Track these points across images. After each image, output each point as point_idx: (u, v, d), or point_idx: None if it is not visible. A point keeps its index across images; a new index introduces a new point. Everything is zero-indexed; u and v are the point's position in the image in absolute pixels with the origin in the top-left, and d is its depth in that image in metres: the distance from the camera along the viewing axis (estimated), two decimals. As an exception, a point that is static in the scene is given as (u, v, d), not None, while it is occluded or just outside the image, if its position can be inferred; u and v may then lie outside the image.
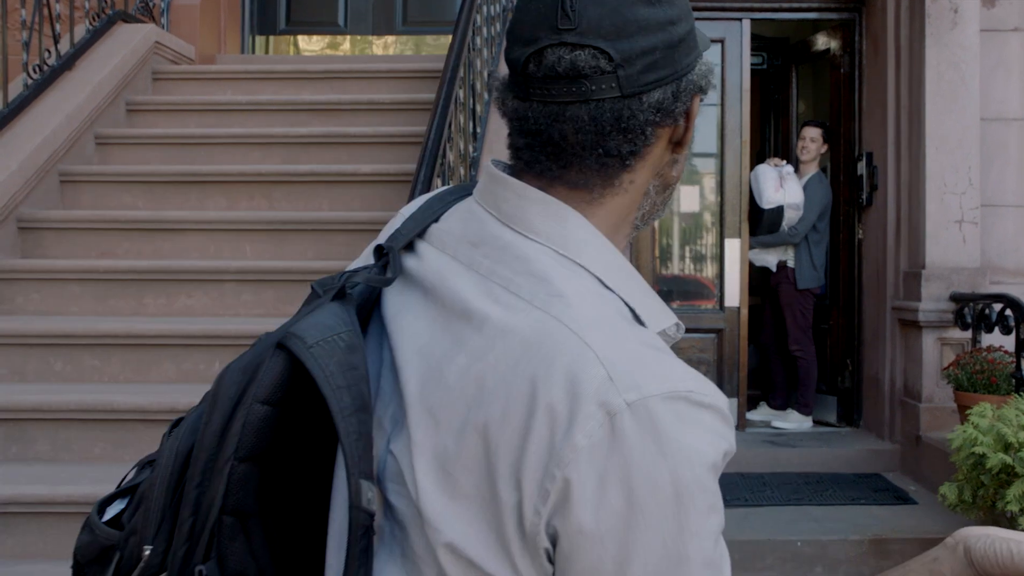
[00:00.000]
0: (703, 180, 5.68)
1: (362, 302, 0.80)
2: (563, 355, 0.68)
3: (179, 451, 0.75)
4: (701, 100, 0.82)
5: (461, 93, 3.27)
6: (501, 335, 0.70)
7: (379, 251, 0.82)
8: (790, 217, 5.31)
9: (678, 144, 0.82)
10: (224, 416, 0.72)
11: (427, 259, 0.80)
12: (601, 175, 0.78)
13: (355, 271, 0.81)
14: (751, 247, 5.46)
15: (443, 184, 2.90)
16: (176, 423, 0.83)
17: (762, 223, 5.35)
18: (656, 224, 5.53)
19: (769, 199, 5.28)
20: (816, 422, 5.50)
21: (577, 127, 0.76)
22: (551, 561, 0.67)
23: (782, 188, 5.31)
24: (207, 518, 0.71)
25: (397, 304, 0.79)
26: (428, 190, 2.59)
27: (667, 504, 0.66)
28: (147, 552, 0.73)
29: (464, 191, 0.87)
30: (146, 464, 0.82)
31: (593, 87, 0.75)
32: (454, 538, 0.68)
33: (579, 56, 0.75)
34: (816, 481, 4.69)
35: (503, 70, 0.83)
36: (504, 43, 0.80)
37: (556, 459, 0.65)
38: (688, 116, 0.80)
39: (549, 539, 0.67)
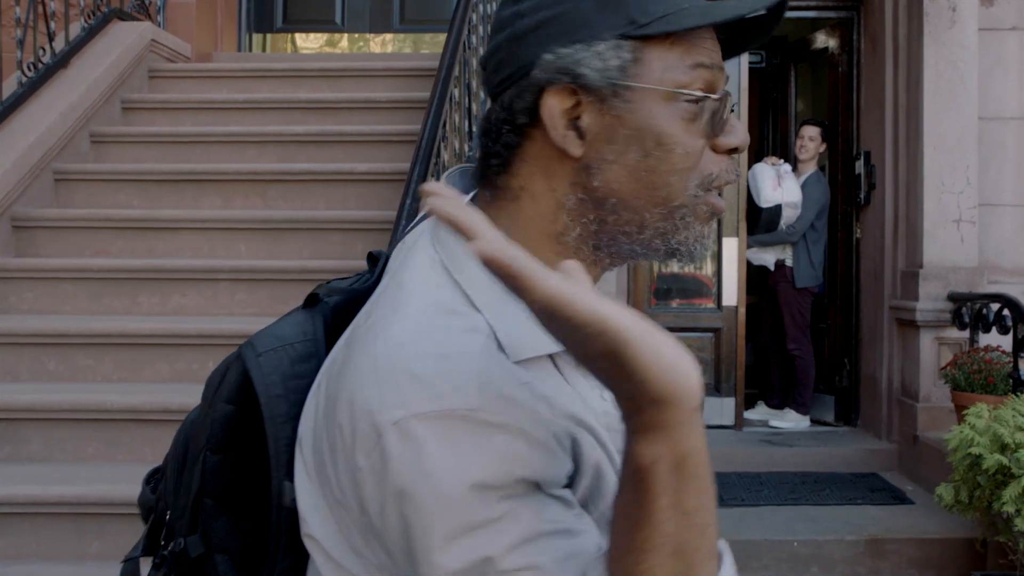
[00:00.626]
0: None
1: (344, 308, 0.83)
2: (353, 375, 0.68)
3: (185, 433, 0.86)
4: (584, 95, 0.73)
5: (456, 92, 3.26)
6: (345, 347, 0.74)
7: (369, 256, 0.86)
8: (788, 216, 5.30)
9: (574, 151, 0.74)
10: (203, 411, 0.82)
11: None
12: (487, 179, 0.78)
13: (344, 278, 0.86)
14: (749, 246, 5.45)
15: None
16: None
17: (760, 222, 5.33)
18: (653, 223, 5.52)
19: (767, 198, 5.27)
20: (813, 421, 5.49)
21: (478, 131, 0.79)
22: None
23: (780, 187, 5.30)
24: (188, 496, 0.80)
25: None
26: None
27: (434, 526, 0.64)
28: (168, 515, 0.85)
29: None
30: None
31: (482, 94, 0.75)
32: (313, 531, 0.71)
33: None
34: (813, 481, 4.68)
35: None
36: None
37: (351, 476, 0.67)
38: (551, 114, 0.73)
39: (377, 542, 0.68)
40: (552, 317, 0.58)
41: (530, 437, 0.65)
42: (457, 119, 3.27)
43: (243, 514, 0.80)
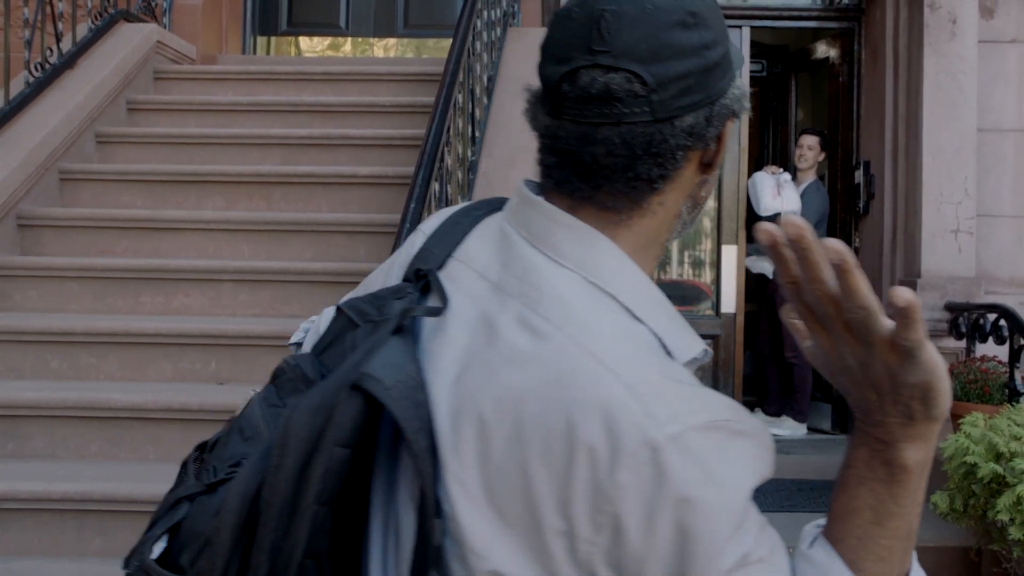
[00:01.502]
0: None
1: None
2: (597, 391, 0.68)
3: (246, 494, 0.72)
4: (734, 123, 0.83)
5: (460, 97, 3.29)
6: (533, 365, 0.71)
7: (416, 273, 0.82)
8: None
9: (708, 165, 0.82)
10: (298, 460, 0.70)
11: (460, 280, 0.80)
12: (630, 198, 0.79)
13: (395, 293, 0.80)
14: (748, 254, 5.48)
15: (440, 187, 2.92)
16: (200, 448, 0.82)
17: None
18: (654, 229, 5.55)
19: (767, 206, 5.30)
20: (811, 429, 5.52)
21: (608, 150, 0.76)
22: None
23: (780, 195, 5.33)
24: (288, 563, 0.71)
25: (430, 326, 0.78)
26: (425, 194, 2.60)
27: (719, 530, 0.68)
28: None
29: (490, 207, 0.88)
30: (181, 499, 0.78)
31: (626, 110, 0.75)
32: (499, 566, 0.68)
33: (613, 79, 0.75)
34: (810, 488, 4.70)
35: (534, 83, 0.82)
36: (539, 57, 0.81)
37: (603, 496, 0.66)
38: (719, 139, 0.80)
39: (609, 567, 0.68)
40: (863, 327, 0.66)
41: (763, 440, 0.73)
42: (461, 124, 3.30)
43: (335, 569, 0.74)
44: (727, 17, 5.46)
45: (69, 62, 4.29)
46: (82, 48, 4.40)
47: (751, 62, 5.63)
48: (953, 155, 4.79)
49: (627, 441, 0.66)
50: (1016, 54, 5.05)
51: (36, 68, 4.07)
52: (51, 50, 4.19)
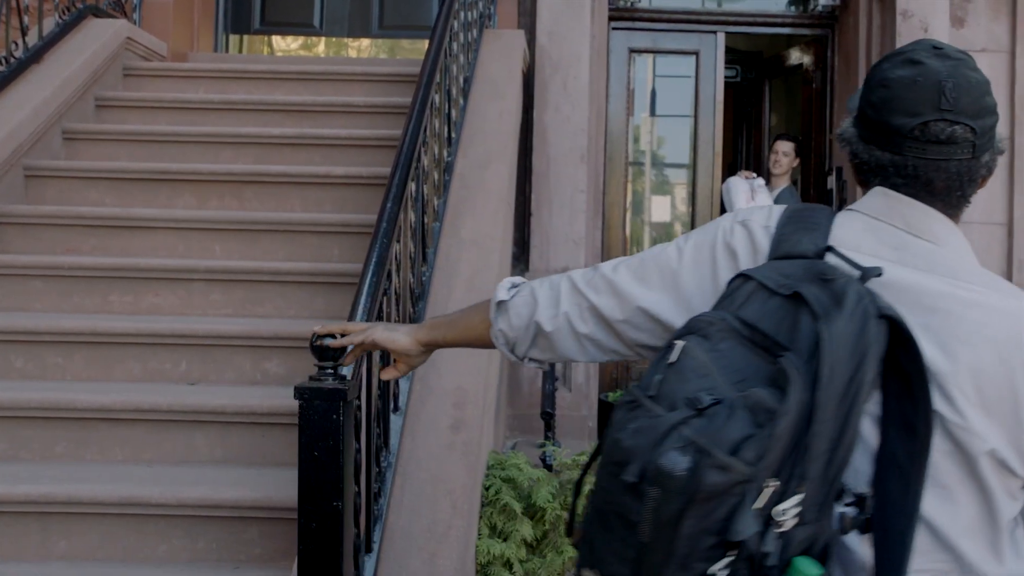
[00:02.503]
0: (675, 190, 5.72)
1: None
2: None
3: (801, 402, 0.94)
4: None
5: (437, 98, 3.26)
6: (990, 308, 1.06)
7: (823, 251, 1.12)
8: None
9: (986, 181, 1.18)
10: (845, 374, 0.96)
11: (864, 262, 1.06)
12: (955, 208, 1.15)
13: (810, 269, 1.06)
14: None
15: (416, 187, 2.89)
16: (630, 402, 1.03)
17: None
18: (627, 233, 5.56)
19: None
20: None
21: (946, 177, 1.12)
22: None
23: (753, 200, 5.35)
24: (841, 446, 0.96)
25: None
26: (402, 193, 2.57)
27: None
28: (773, 484, 0.93)
29: (820, 210, 1.18)
30: (675, 426, 0.96)
31: (958, 151, 1.11)
32: (995, 446, 1.04)
33: (956, 130, 1.10)
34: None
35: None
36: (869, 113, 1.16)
37: None
38: (992, 173, 1.17)
39: None
40: None
41: None
42: (437, 124, 3.27)
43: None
44: (701, 23, 5.50)
45: (35, 57, 4.21)
46: (49, 43, 4.32)
47: (726, 67, 5.66)
48: (924, 162, 4.85)
49: None
50: (986, 63, 5.11)
51: (1, 63, 3.99)
52: (16, 44, 4.10)
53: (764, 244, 1.14)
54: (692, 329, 1.05)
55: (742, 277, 1.08)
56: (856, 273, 1.03)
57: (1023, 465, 1.05)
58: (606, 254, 5.40)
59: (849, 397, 0.96)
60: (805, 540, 0.96)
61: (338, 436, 1.79)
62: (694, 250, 1.21)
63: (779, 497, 0.93)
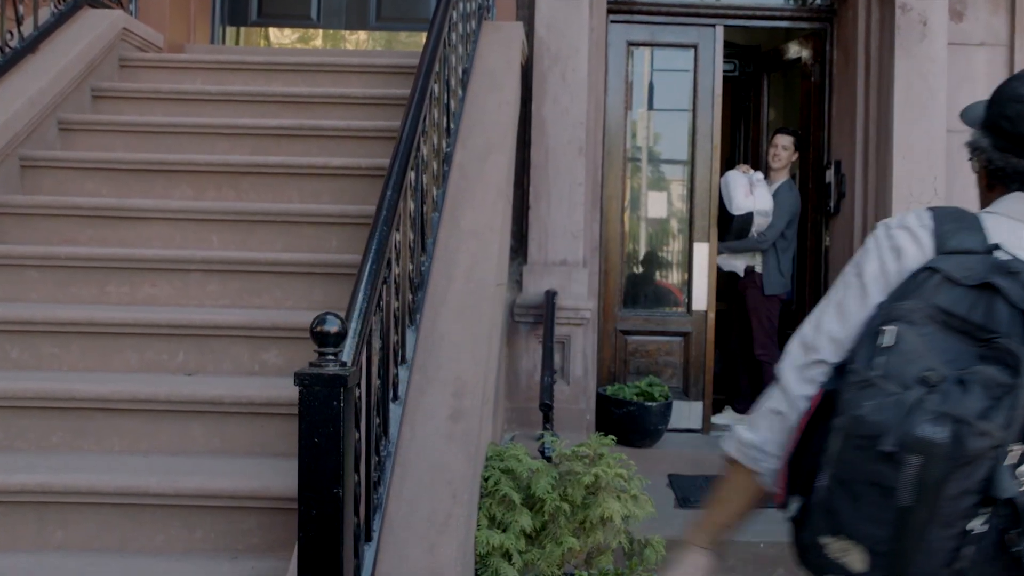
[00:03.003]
0: (673, 185, 5.71)
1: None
2: None
3: None
4: None
5: (436, 87, 3.24)
6: None
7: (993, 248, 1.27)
8: (759, 223, 5.34)
9: None
10: None
11: None
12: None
13: (997, 265, 1.21)
14: (719, 252, 5.49)
15: (416, 176, 2.87)
16: (860, 382, 1.16)
17: (731, 229, 5.37)
18: (625, 227, 5.55)
19: (739, 205, 5.32)
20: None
21: None
22: None
23: (752, 194, 5.34)
24: None
25: None
26: (402, 181, 2.56)
27: None
28: (1018, 448, 1.07)
29: (966, 211, 1.32)
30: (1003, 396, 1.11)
31: None
32: None
33: None
34: (779, 485, 4.71)
35: (978, 138, 1.40)
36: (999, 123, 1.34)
37: None
38: None
39: None
40: None
41: None
42: (436, 114, 3.25)
43: None
44: (700, 16, 5.48)
45: (31, 47, 4.18)
46: (44, 33, 4.29)
47: (724, 61, 5.64)
48: (923, 155, 4.84)
49: None
50: (984, 57, 5.12)
51: (-3, 52, 3.96)
52: (11, 33, 4.08)
53: (927, 241, 1.28)
54: (895, 316, 1.19)
55: (929, 270, 1.22)
56: None
57: None
58: (604, 247, 5.39)
59: None
60: None
61: (338, 423, 1.78)
62: (859, 275, 1.33)
63: (1020, 459, 1.08)
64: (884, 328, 1.18)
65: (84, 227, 3.68)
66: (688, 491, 4.61)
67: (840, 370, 1.26)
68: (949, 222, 1.29)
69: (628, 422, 4.92)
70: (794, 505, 1.28)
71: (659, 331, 5.54)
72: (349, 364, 1.84)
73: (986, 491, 1.08)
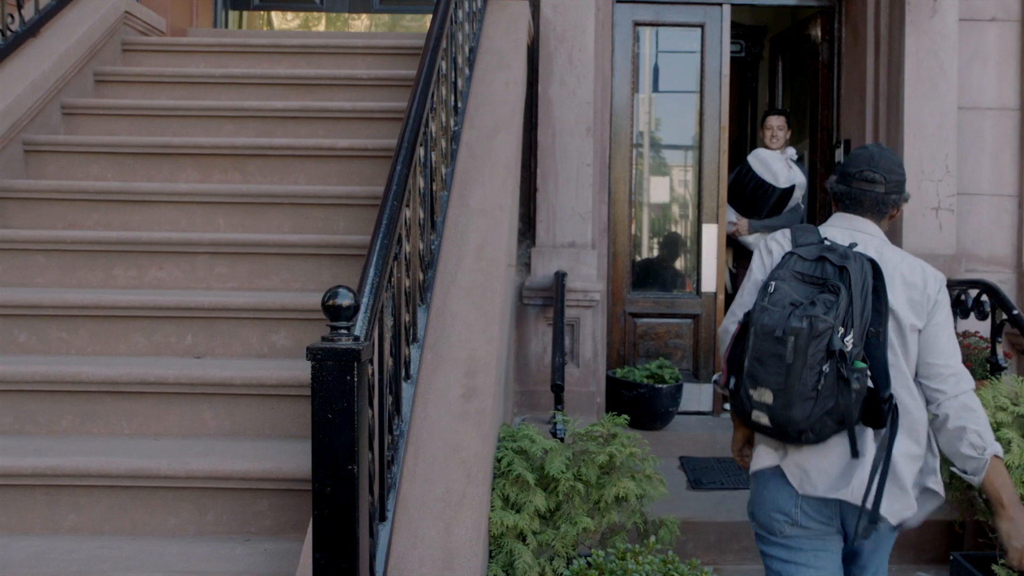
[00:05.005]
0: (681, 166, 5.65)
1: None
2: (927, 267, 2.30)
3: (847, 297, 2.14)
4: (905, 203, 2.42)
5: (444, 64, 3.20)
6: (910, 259, 2.30)
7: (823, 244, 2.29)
8: (797, 196, 5.34)
9: (894, 215, 2.41)
10: (860, 278, 2.15)
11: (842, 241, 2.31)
12: (878, 217, 2.36)
13: (827, 248, 2.25)
14: (754, 230, 5.44)
15: (425, 153, 2.84)
16: (762, 309, 2.20)
17: (770, 204, 5.34)
18: (633, 210, 5.50)
19: (787, 178, 5.29)
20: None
21: (871, 199, 2.34)
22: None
23: (790, 170, 5.32)
24: (866, 310, 2.16)
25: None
26: (411, 156, 2.52)
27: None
28: (841, 329, 2.11)
29: (809, 228, 2.35)
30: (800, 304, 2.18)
31: (878, 188, 2.32)
32: (913, 322, 2.24)
33: (877, 177, 2.32)
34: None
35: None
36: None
37: (931, 296, 2.26)
38: (899, 208, 2.40)
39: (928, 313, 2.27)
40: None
41: None
42: (444, 92, 3.21)
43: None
44: (707, -6, 5.42)
45: (32, 30, 4.15)
46: (46, 16, 4.25)
47: (732, 42, 5.58)
48: (934, 132, 4.79)
49: (934, 279, 2.29)
50: (995, 33, 5.06)
51: (-1, 35, 3.93)
52: (12, 17, 4.04)
53: (787, 243, 2.36)
54: (774, 278, 2.24)
55: (790, 254, 2.26)
56: (845, 246, 2.23)
57: (921, 323, 2.25)
58: (612, 229, 5.35)
59: (864, 294, 2.15)
60: (857, 355, 2.12)
61: (352, 398, 1.74)
62: (756, 267, 2.41)
63: (843, 335, 2.11)
64: (769, 283, 2.23)
65: (89, 211, 3.65)
66: (700, 472, 4.58)
67: (747, 315, 2.26)
68: (800, 232, 2.33)
69: (639, 404, 4.89)
70: (732, 380, 2.28)
71: (668, 313, 5.51)
72: (362, 339, 1.81)
73: (828, 349, 2.08)
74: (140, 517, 2.60)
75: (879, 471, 2.15)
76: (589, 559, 2.84)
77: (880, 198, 2.29)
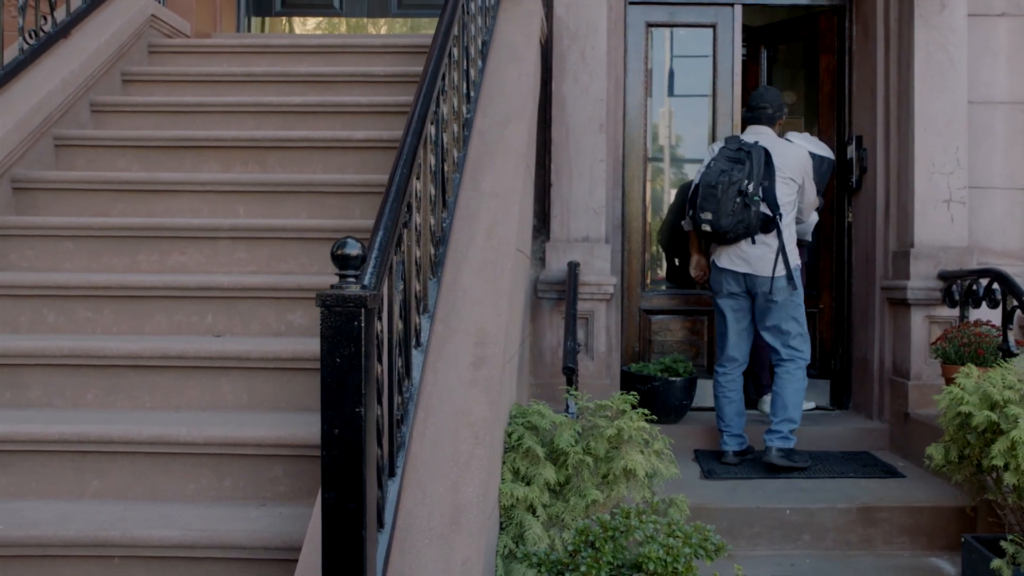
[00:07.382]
0: (696, 165, 5.72)
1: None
2: (798, 151, 4.59)
3: (758, 165, 4.40)
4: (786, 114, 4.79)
5: (455, 51, 3.30)
6: (792, 148, 4.57)
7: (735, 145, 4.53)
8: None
9: (780, 122, 4.70)
10: (760, 160, 4.36)
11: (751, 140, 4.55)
12: (771, 125, 4.60)
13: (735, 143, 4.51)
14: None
15: (436, 132, 2.93)
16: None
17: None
18: (647, 208, 5.57)
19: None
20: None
21: (766, 116, 4.59)
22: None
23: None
24: (759, 180, 4.39)
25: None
26: (421, 130, 2.61)
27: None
28: (746, 183, 4.32)
29: (734, 136, 4.64)
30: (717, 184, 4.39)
31: (768, 110, 4.61)
32: (796, 177, 4.50)
33: (765, 104, 4.62)
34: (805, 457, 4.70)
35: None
36: None
37: (802, 166, 4.57)
38: (780, 120, 4.71)
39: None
40: None
41: None
42: (456, 77, 3.31)
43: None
44: (719, -5, 5.52)
45: (63, 31, 4.30)
46: (76, 18, 4.41)
47: (742, 45, 5.65)
48: (945, 125, 4.83)
49: (802, 154, 4.58)
50: (1005, 27, 5.10)
51: (30, 35, 4.08)
52: (45, 18, 4.20)
53: (721, 143, 4.57)
54: (712, 159, 4.49)
55: (722, 148, 4.50)
56: (751, 142, 4.41)
57: (800, 179, 4.46)
58: (627, 227, 5.42)
59: (759, 163, 4.32)
60: (754, 194, 4.31)
61: (359, 343, 1.82)
62: (706, 157, 4.60)
63: (748, 183, 4.28)
64: (710, 162, 4.44)
65: (116, 201, 3.78)
66: (713, 465, 4.61)
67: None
68: (729, 139, 4.46)
69: (653, 398, 4.94)
70: (691, 212, 4.45)
71: (682, 310, 5.56)
72: (369, 287, 1.89)
73: (739, 190, 4.24)
74: (161, 483, 2.70)
75: (779, 254, 4.32)
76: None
77: (769, 115, 4.54)
